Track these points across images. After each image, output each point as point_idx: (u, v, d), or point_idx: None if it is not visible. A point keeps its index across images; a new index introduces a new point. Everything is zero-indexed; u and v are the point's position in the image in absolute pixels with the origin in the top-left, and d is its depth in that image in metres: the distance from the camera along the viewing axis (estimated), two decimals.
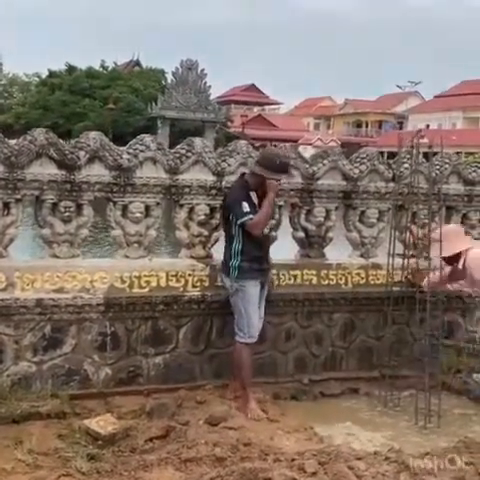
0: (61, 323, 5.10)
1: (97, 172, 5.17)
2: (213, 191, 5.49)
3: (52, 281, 5.07)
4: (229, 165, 5.52)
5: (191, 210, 5.50)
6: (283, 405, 5.35)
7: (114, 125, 46.27)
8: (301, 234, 5.89)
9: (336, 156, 5.88)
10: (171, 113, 46.89)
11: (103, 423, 4.49)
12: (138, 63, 64.90)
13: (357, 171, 5.93)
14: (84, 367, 5.19)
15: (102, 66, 58.56)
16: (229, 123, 57.37)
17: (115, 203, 5.30)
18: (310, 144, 56.08)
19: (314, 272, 5.81)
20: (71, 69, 56.59)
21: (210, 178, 5.47)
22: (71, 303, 5.08)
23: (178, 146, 5.51)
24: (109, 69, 58.53)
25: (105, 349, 5.23)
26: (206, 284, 5.47)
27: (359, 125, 79.58)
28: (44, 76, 60.98)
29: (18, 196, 5.03)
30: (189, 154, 5.42)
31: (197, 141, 5.49)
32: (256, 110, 79.67)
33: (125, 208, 5.32)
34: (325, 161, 5.84)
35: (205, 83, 48.91)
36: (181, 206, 5.49)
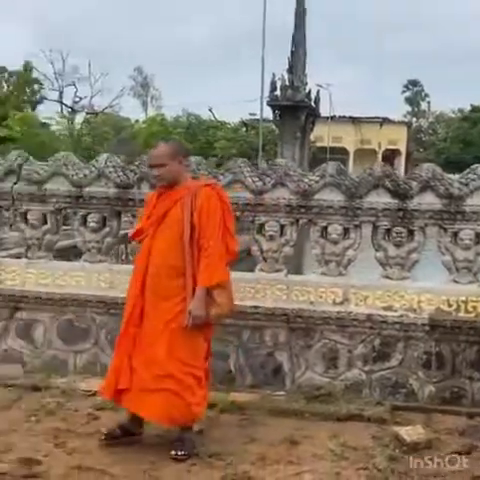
0: (389, 338, 5.58)
1: (428, 200, 5.54)
2: None
3: (383, 299, 5.60)
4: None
5: None
6: None
7: None
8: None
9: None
10: None
11: (412, 432, 4.80)
12: None
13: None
14: (409, 382, 5.56)
15: None
16: None
17: (445, 230, 5.59)
18: None
19: None
20: None
21: None
22: (398, 321, 5.52)
23: None
24: None
25: (430, 367, 5.52)
26: None
27: None
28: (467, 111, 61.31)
29: (356, 222, 5.72)
30: None
31: None
32: None
33: (455, 235, 5.57)
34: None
35: None
36: None
